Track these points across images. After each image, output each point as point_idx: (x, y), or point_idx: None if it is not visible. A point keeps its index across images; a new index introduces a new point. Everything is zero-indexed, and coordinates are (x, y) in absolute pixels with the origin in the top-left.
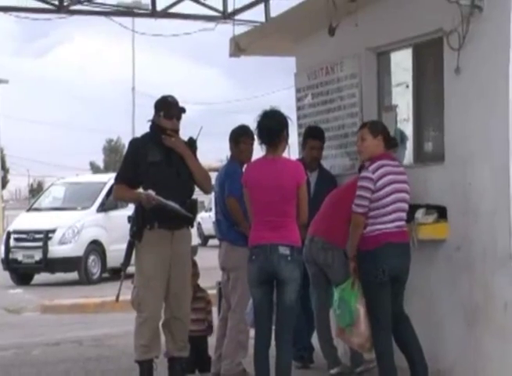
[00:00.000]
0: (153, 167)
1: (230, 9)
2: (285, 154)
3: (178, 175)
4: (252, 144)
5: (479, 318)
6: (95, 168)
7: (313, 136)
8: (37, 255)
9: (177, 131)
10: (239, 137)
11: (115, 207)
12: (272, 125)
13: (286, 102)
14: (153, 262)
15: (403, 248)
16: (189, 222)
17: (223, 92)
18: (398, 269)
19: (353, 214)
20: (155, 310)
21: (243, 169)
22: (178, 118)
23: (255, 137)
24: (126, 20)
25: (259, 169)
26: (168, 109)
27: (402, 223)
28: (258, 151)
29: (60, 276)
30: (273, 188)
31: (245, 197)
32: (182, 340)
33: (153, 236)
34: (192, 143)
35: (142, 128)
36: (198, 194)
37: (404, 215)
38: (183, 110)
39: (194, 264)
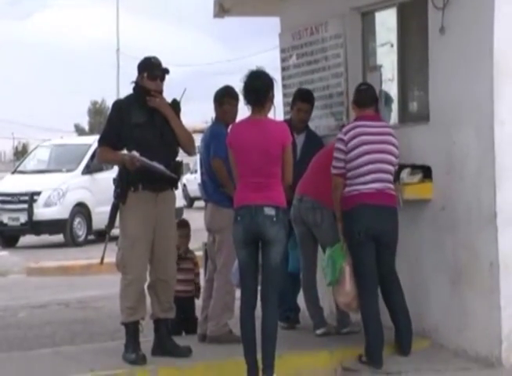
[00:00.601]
0: (136, 128)
1: None
2: (270, 115)
3: (161, 136)
4: (236, 105)
5: (464, 277)
6: (79, 130)
7: (302, 99)
8: (23, 218)
9: (161, 92)
10: (223, 98)
11: (100, 169)
12: (259, 86)
13: (271, 63)
14: (138, 223)
15: (381, 210)
16: (174, 183)
17: (208, 54)
18: (376, 230)
19: (332, 175)
20: (140, 272)
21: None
22: (162, 79)
23: (240, 98)
24: None
25: (244, 130)
26: (152, 70)
27: (383, 185)
28: (244, 112)
29: (46, 238)
30: (258, 149)
31: (230, 158)
32: (168, 301)
33: (137, 198)
34: (175, 105)
35: (127, 89)
36: (183, 156)
37: (386, 176)
38: (166, 71)
39: (187, 225)
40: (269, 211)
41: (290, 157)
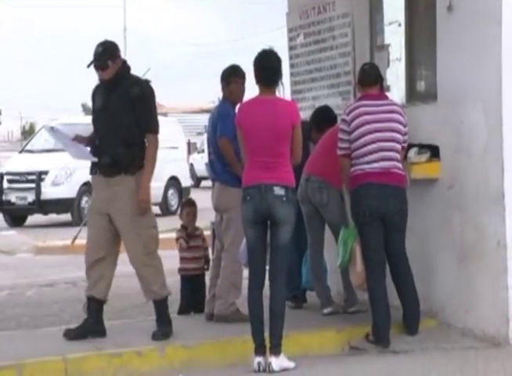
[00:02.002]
0: (94, 113)
1: None
2: (279, 95)
3: (110, 122)
4: (243, 83)
5: (471, 256)
6: (87, 110)
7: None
8: (30, 197)
9: (105, 81)
10: (230, 76)
11: None
12: (270, 65)
13: (277, 43)
14: (92, 205)
15: (386, 189)
16: (125, 169)
17: (214, 34)
18: (381, 210)
19: (338, 156)
20: (89, 247)
21: (236, 109)
22: (100, 68)
23: (247, 77)
24: None
25: (253, 109)
26: (94, 60)
27: (388, 164)
28: (250, 91)
29: (53, 217)
30: (268, 128)
31: (238, 137)
32: (155, 283)
33: (95, 182)
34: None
35: (133, 69)
36: (190, 135)
37: (392, 154)
38: (94, 60)
39: (193, 204)
40: (279, 191)
41: (299, 136)
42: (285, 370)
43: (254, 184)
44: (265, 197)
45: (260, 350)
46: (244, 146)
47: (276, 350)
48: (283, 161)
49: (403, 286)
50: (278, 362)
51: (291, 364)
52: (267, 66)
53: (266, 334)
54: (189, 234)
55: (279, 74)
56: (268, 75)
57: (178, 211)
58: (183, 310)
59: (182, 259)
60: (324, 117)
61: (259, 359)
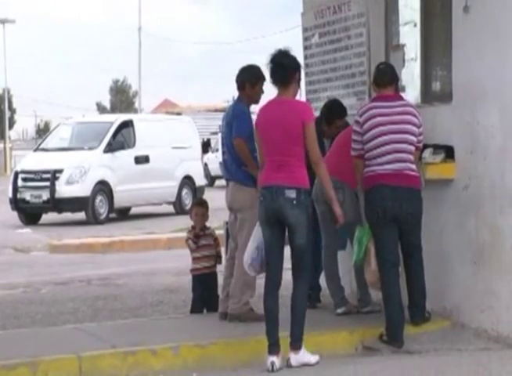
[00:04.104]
0: None
1: None
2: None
3: None
4: (262, 85)
5: (486, 257)
6: (101, 109)
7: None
8: (45, 195)
9: None
10: (252, 78)
11: (122, 147)
12: (286, 63)
13: (289, 43)
14: None
15: (399, 191)
16: None
17: (229, 33)
18: (394, 211)
19: (352, 157)
20: None
21: (250, 109)
22: None
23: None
24: None
25: (268, 110)
26: None
27: (401, 165)
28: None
29: (68, 216)
30: (279, 127)
31: (256, 139)
32: None
33: None
34: None
35: (149, 68)
36: (204, 135)
37: (405, 156)
38: None
39: (202, 204)
40: (290, 194)
41: (311, 134)
42: (305, 365)
43: (266, 185)
44: (276, 198)
45: (273, 349)
46: (260, 146)
47: (296, 346)
48: (296, 161)
49: (413, 277)
50: (297, 357)
51: (312, 359)
52: (282, 64)
53: (281, 334)
54: (196, 234)
55: (293, 74)
56: (282, 74)
57: None
58: (195, 309)
59: (194, 259)
60: (333, 110)
61: (272, 358)
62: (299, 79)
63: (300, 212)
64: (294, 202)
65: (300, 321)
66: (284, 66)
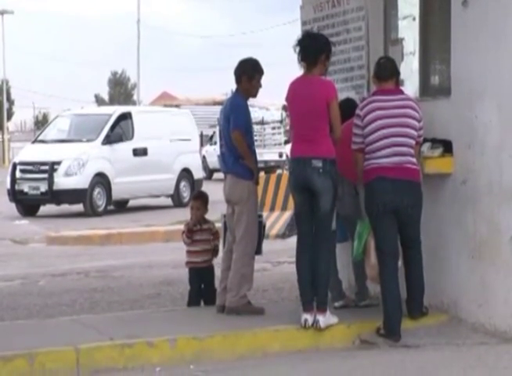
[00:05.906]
0: None
1: None
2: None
3: None
4: (260, 79)
5: (484, 252)
6: (100, 101)
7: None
8: (43, 187)
9: None
10: (252, 71)
11: (120, 139)
12: (310, 44)
13: (283, 38)
14: None
15: (398, 184)
16: None
17: (226, 27)
18: (395, 203)
19: (352, 150)
20: None
21: (247, 102)
22: None
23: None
24: None
25: (295, 85)
26: None
27: (401, 159)
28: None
29: (66, 207)
30: (305, 101)
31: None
32: None
33: None
34: None
35: (147, 60)
36: (203, 128)
37: (405, 149)
38: None
39: (198, 197)
40: (316, 163)
41: (335, 113)
42: (331, 325)
43: (295, 157)
44: (304, 169)
45: (307, 306)
46: (290, 122)
47: (323, 308)
48: (321, 135)
49: (412, 270)
50: (324, 319)
51: (335, 320)
52: (306, 44)
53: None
54: (190, 229)
55: (318, 54)
56: (304, 54)
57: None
58: (192, 301)
59: (188, 252)
60: (345, 109)
61: (306, 315)
62: (325, 60)
63: (325, 179)
64: (321, 170)
65: (324, 285)
66: (307, 48)
